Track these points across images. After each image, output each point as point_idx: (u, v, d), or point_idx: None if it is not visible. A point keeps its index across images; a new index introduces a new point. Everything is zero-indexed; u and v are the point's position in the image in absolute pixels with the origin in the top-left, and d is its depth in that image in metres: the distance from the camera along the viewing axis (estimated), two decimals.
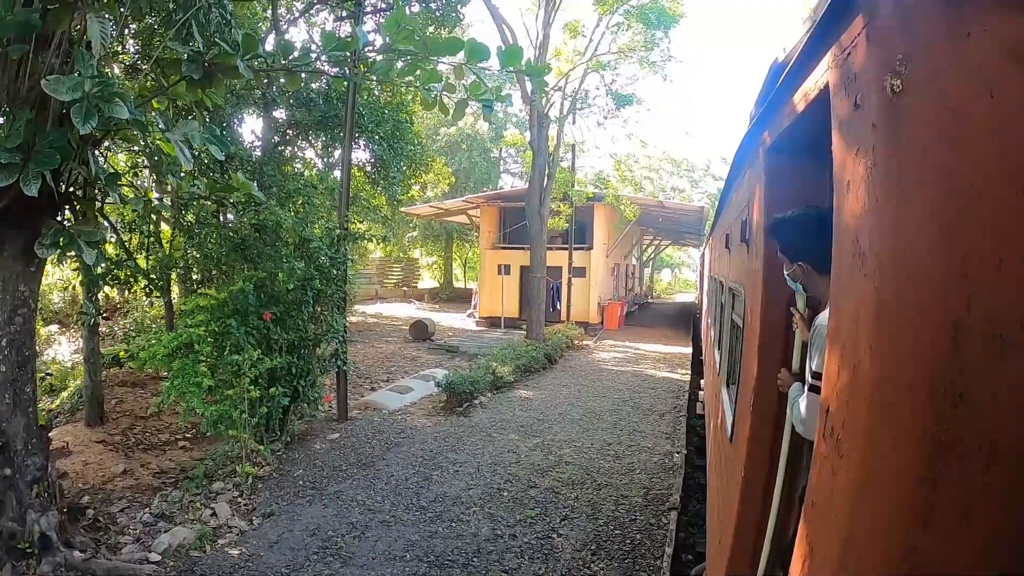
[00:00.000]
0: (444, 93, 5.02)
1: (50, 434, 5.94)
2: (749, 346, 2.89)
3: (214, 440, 8.29)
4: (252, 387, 7.53)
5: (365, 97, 13.58)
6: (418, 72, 4.77)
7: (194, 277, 11.13)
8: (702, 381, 11.37)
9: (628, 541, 5.97)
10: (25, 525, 5.20)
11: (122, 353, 12.72)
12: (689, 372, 15.02)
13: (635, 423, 10.18)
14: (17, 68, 4.74)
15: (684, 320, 28.39)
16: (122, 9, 5.39)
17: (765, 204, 2.56)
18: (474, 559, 5.53)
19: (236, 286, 8.01)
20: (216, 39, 5.05)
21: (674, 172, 35.60)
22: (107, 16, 4.96)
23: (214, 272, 10.44)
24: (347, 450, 8.55)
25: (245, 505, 6.67)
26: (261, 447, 7.78)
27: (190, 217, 10.30)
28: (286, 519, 6.34)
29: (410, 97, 15.22)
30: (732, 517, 2.64)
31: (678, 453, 8.52)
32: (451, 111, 5.13)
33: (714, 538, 3.79)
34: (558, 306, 22.65)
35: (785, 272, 2.23)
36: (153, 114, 5.35)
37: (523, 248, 20.24)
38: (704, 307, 14.86)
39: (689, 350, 18.30)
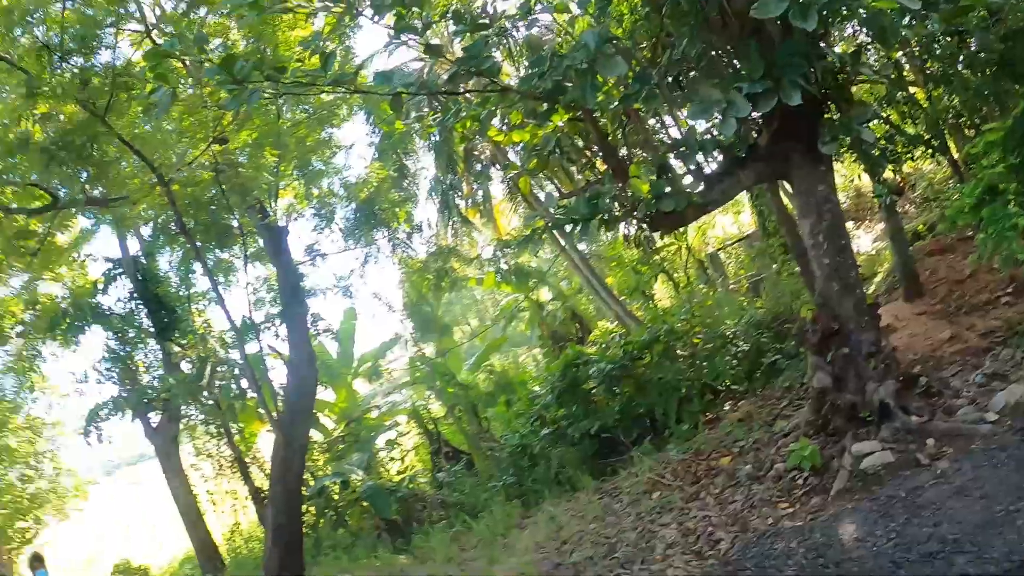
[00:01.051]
0: None
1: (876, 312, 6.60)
2: None
3: None
4: None
5: None
6: None
7: (963, 122, 10.65)
8: None
9: None
10: (863, 396, 5.92)
11: (920, 227, 13.20)
12: None
13: None
14: (721, 16, 5.59)
15: None
16: None
17: None
18: None
19: (1018, 109, 7.32)
20: None
21: None
22: None
23: (981, 107, 9.84)
24: None
25: None
26: None
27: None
28: None
29: None
30: None
31: None
32: None
33: None
34: None
35: None
36: None
37: None
38: None
39: None
